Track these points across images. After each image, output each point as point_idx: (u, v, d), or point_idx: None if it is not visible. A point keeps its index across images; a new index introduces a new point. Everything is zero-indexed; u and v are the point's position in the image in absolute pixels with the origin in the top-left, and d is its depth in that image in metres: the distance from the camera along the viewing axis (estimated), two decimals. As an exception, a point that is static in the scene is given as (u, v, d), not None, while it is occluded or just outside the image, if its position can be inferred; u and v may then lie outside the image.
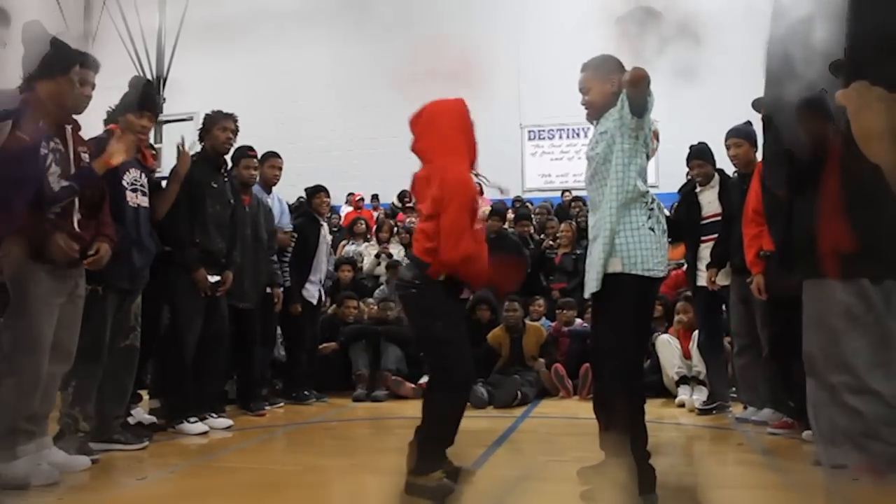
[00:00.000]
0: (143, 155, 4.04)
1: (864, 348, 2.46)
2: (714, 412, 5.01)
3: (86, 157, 3.44)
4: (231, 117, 4.79)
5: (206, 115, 4.81)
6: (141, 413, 4.57)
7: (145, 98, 4.04)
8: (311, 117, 13.38)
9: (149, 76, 13.14)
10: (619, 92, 2.83)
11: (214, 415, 4.59)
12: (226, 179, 4.76)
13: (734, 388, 5.29)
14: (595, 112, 2.93)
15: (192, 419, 4.37)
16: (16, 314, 3.09)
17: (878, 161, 0.95)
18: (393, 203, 11.83)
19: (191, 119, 11.53)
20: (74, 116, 3.42)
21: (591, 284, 2.81)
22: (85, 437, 3.62)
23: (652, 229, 2.78)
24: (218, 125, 4.71)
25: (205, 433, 4.36)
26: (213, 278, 4.49)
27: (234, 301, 4.84)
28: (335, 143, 13.32)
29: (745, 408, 4.80)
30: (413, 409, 5.62)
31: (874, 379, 2.50)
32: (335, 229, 9.94)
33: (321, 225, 6.10)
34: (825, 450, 3.01)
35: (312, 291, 5.93)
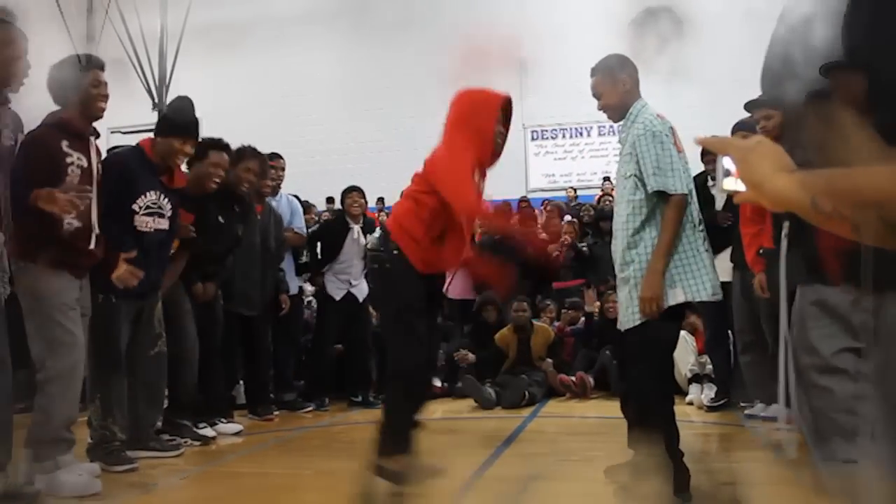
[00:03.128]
0: (169, 176, 3.82)
1: (832, 335, 2.53)
2: (722, 409, 5.00)
3: (98, 168, 3.40)
4: (260, 160, 4.72)
5: (239, 149, 4.63)
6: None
7: (191, 125, 3.89)
8: (313, 120, 13.39)
9: (150, 81, 13.15)
10: (631, 90, 2.83)
11: (224, 420, 4.58)
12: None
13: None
14: (615, 114, 2.90)
15: (202, 425, 4.36)
16: (41, 323, 3.08)
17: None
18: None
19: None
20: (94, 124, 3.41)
21: (630, 318, 2.73)
22: (121, 445, 3.59)
23: (708, 250, 2.74)
24: (243, 164, 4.58)
25: (213, 438, 4.34)
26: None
27: (241, 309, 4.85)
28: (338, 146, 13.32)
29: (754, 404, 4.78)
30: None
31: (840, 360, 2.57)
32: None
33: (350, 227, 5.82)
34: (817, 446, 3.01)
35: (337, 290, 5.76)
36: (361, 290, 5.81)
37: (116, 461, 3.48)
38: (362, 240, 5.78)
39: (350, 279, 5.79)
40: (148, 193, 3.67)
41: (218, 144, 4.29)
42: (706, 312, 5.26)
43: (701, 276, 2.67)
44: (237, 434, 4.54)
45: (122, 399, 3.67)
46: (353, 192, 5.95)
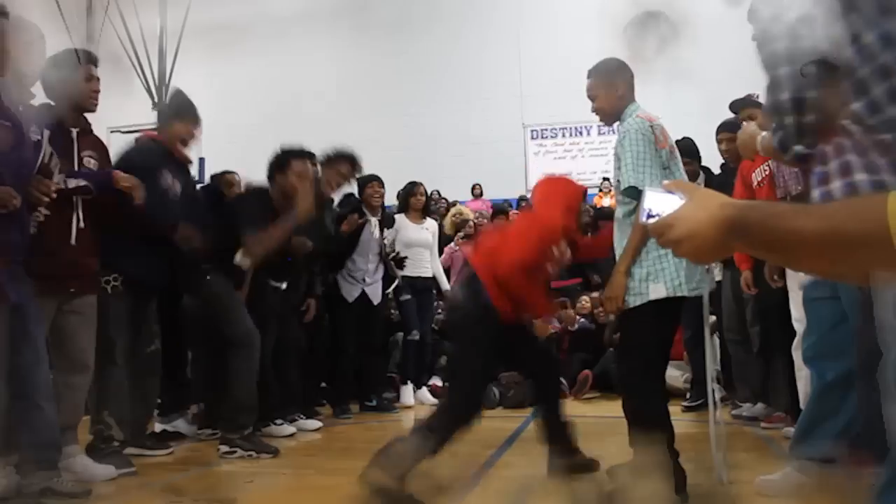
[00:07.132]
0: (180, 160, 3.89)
1: None
2: (700, 409, 4.99)
3: (90, 162, 3.33)
4: (348, 159, 4.99)
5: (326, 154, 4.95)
6: (182, 424, 4.51)
7: (189, 107, 3.92)
8: (312, 119, 13.37)
9: (150, 81, 13.16)
10: (625, 95, 2.83)
11: (303, 416, 4.75)
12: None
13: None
14: (607, 118, 2.91)
15: (279, 421, 4.48)
16: None
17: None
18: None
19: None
20: (86, 115, 3.39)
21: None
22: (121, 445, 3.53)
23: None
24: (332, 167, 4.91)
25: (292, 435, 4.48)
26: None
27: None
28: (337, 146, 13.32)
29: (739, 404, 4.79)
30: (420, 411, 5.64)
31: None
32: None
33: (367, 220, 5.37)
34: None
35: (351, 290, 5.26)
36: (375, 291, 5.37)
37: (114, 463, 3.39)
38: (378, 234, 5.43)
39: (364, 276, 5.31)
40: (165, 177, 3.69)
41: (301, 153, 4.24)
42: (685, 312, 5.24)
43: (680, 271, 2.66)
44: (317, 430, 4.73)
45: (123, 394, 3.59)
46: (373, 181, 5.51)
